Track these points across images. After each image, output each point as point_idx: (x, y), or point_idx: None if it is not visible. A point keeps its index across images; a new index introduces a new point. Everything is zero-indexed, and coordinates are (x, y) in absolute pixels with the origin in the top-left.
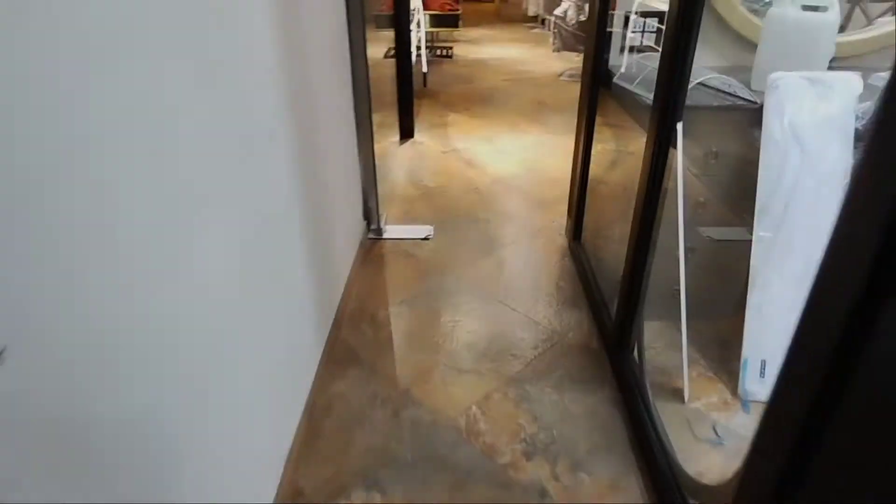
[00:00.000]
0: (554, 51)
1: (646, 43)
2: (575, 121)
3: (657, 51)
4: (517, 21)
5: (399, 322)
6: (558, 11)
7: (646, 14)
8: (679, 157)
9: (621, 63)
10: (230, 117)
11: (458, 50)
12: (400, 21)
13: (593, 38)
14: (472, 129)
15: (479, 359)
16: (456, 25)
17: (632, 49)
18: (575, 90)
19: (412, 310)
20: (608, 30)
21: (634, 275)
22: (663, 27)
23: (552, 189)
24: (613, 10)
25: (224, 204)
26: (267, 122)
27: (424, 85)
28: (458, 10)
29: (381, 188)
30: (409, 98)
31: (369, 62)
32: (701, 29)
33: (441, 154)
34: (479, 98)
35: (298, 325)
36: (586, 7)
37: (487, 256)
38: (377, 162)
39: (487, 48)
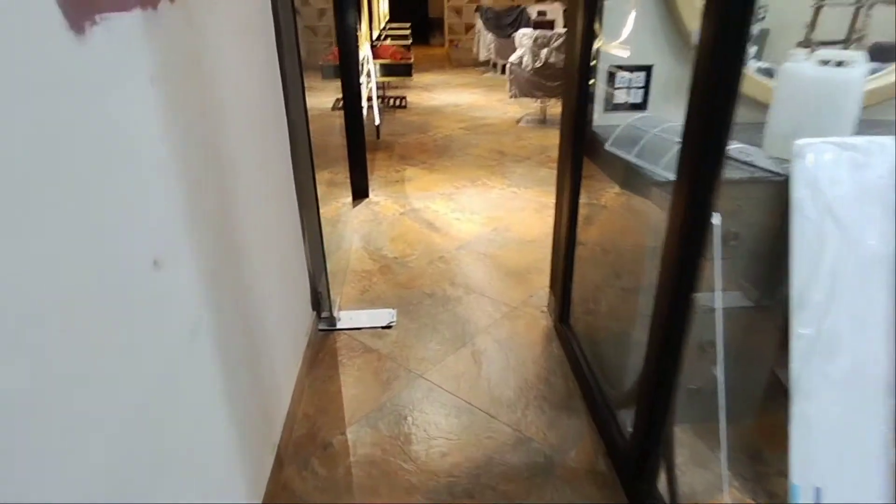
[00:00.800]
0: (511, 97)
1: (631, 100)
2: (539, 172)
3: (644, 110)
4: (468, 65)
5: (360, 451)
6: (513, 58)
7: (632, 69)
8: (717, 254)
9: (605, 122)
10: (71, 260)
11: (412, 97)
12: (348, 72)
13: (574, 95)
14: (430, 184)
15: (464, 501)
16: (409, 74)
17: (616, 107)
18: (535, 137)
19: (375, 432)
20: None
21: (661, 388)
22: (649, 83)
23: (525, 254)
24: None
25: (91, 371)
26: (149, 242)
27: (378, 136)
28: (410, 59)
29: (334, 263)
30: (361, 154)
31: (314, 115)
32: (676, 82)
33: (399, 216)
34: (436, 149)
35: (222, 480)
36: (542, 53)
37: (461, 347)
38: (327, 230)
39: (441, 94)
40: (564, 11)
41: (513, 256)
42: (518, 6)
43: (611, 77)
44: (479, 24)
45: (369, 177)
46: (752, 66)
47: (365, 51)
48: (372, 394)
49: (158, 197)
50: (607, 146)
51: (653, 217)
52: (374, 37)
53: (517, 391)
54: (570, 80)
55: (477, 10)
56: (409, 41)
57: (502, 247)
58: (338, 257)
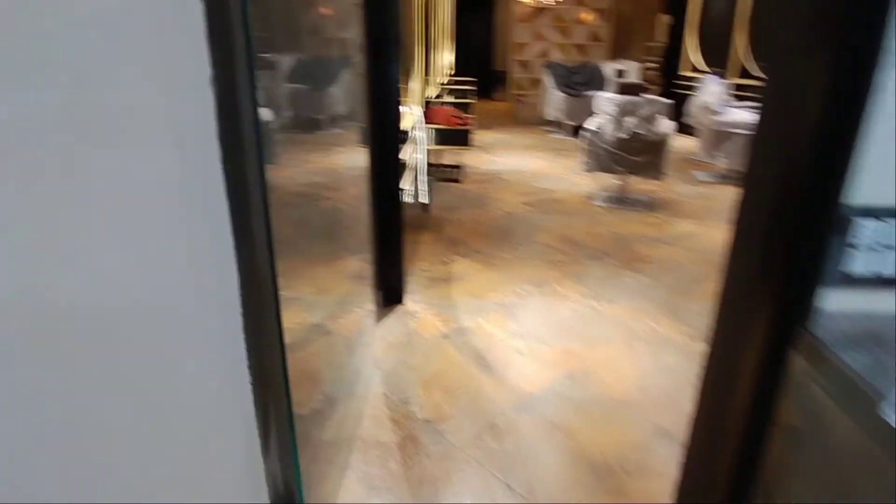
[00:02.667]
0: (586, 170)
1: (884, 271)
2: (623, 277)
3: None
4: (533, 124)
5: None
6: (592, 125)
7: (883, 213)
8: None
9: (833, 307)
10: None
11: (469, 158)
12: (381, 140)
13: (775, 254)
14: (486, 287)
15: None
16: (465, 143)
17: (849, 280)
18: (614, 222)
19: None
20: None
21: None
22: None
23: (616, 427)
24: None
25: None
26: None
27: (424, 209)
28: (468, 124)
29: (338, 422)
30: (394, 248)
31: (349, 177)
32: None
33: (441, 339)
34: (495, 232)
35: None
36: (628, 123)
37: None
38: (340, 358)
39: (502, 156)
40: (646, 70)
41: (598, 432)
42: (591, 63)
43: (842, 224)
44: (547, 80)
45: (407, 271)
46: None
47: (415, 114)
48: None
49: None
50: (888, 412)
51: None
52: (434, 95)
53: None
54: (771, 222)
55: (546, 65)
56: (473, 100)
57: (582, 411)
58: (345, 412)
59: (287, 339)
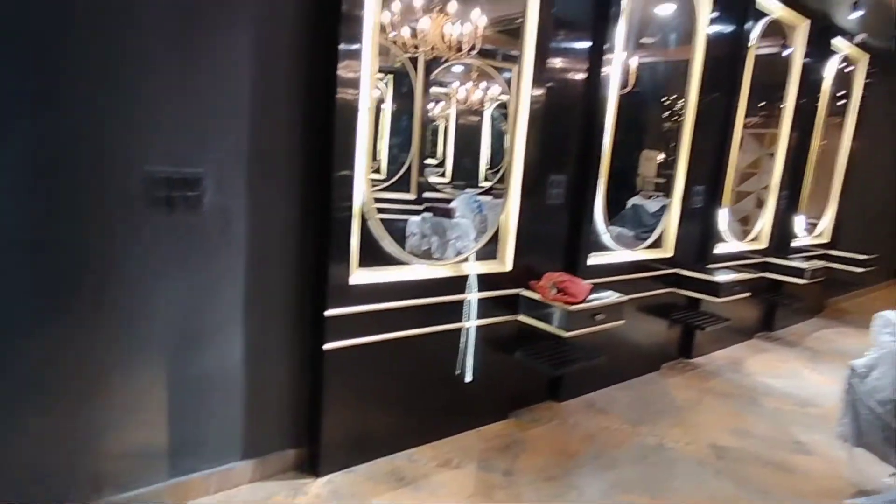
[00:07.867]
0: (845, 439)
1: None
2: None
3: None
4: None
5: None
6: (861, 365)
7: None
8: None
9: None
10: None
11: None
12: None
13: None
14: None
15: None
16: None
17: None
18: None
19: None
20: None
21: None
22: None
23: None
24: None
25: None
26: None
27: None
28: (573, 301)
29: None
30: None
31: None
32: None
33: None
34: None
35: None
36: None
37: None
38: None
39: (791, 363)
40: None
41: None
42: None
43: None
44: None
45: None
46: None
47: (464, 269)
48: None
49: None
50: None
51: None
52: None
53: None
54: None
55: None
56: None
57: None
58: None
59: None
